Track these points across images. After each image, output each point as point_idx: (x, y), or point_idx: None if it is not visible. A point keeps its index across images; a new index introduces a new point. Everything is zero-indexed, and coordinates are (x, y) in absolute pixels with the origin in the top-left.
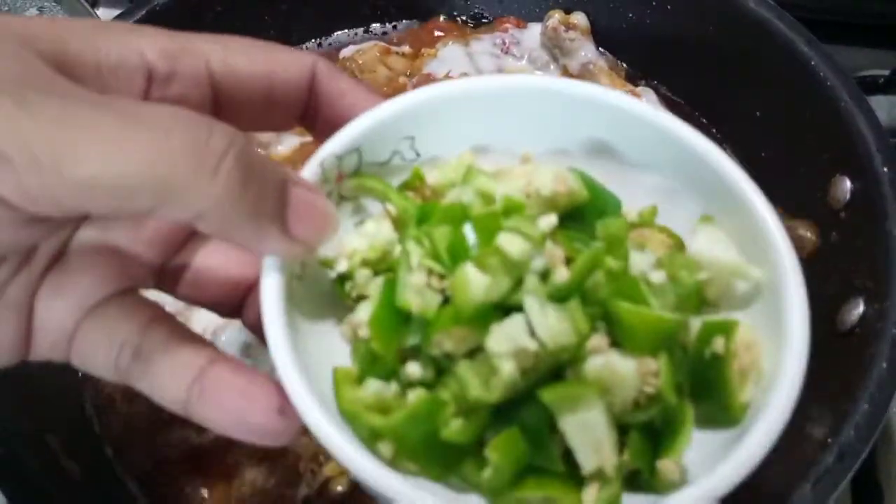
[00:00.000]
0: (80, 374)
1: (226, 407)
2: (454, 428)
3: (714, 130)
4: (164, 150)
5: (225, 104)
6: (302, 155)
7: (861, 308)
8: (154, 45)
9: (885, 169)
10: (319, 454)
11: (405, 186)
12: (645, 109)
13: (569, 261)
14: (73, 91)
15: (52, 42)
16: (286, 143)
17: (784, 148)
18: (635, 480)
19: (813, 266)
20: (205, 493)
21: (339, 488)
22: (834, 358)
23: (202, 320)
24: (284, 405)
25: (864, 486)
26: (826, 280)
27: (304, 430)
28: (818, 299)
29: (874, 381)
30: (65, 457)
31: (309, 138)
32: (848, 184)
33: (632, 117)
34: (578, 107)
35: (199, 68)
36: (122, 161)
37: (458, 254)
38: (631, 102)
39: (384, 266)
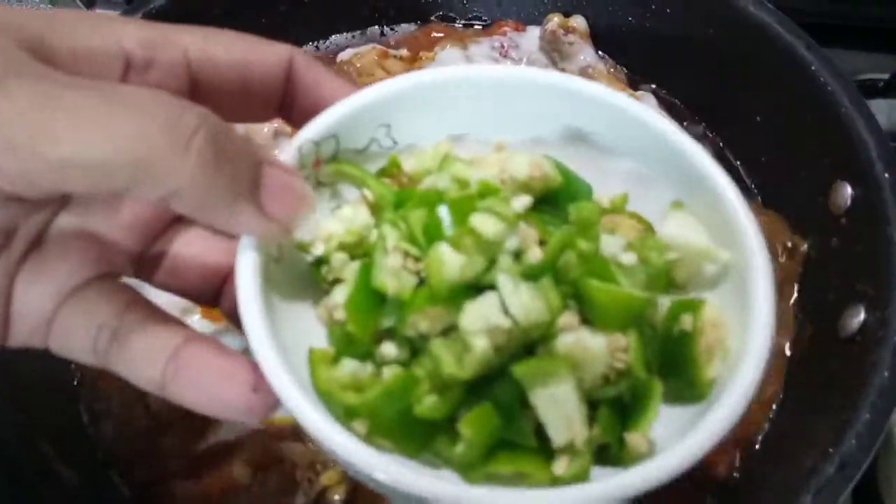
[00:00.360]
0: (75, 381)
1: (199, 384)
2: (428, 404)
3: (714, 134)
4: (140, 130)
5: (203, 93)
6: None
7: (862, 315)
8: (133, 34)
9: (887, 175)
10: (316, 463)
11: (382, 173)
12: (619, 98)
13: (542, 242)
14: (52, 74)
15: (31, 29)
16: (284, 148)
17: (784, 153)
18: (604, 454)
19: (814, 273)
20: (200, 500)
21: (337, 497)
22: (835, 366)
23: (194, 326)
24: (258, 382)
25: (866, 497)
26: (827, 287)
27: (300, 438)
28: (819, 306)
29: (875, 390)
30: (59, 463)
31: None
32: (849, 189)
33: (606, 106)
34: (553, 96)
35: (177, 57)
36: (99, 141)
37: (433, 235)
38: (605, 91)
39: (360, 251)
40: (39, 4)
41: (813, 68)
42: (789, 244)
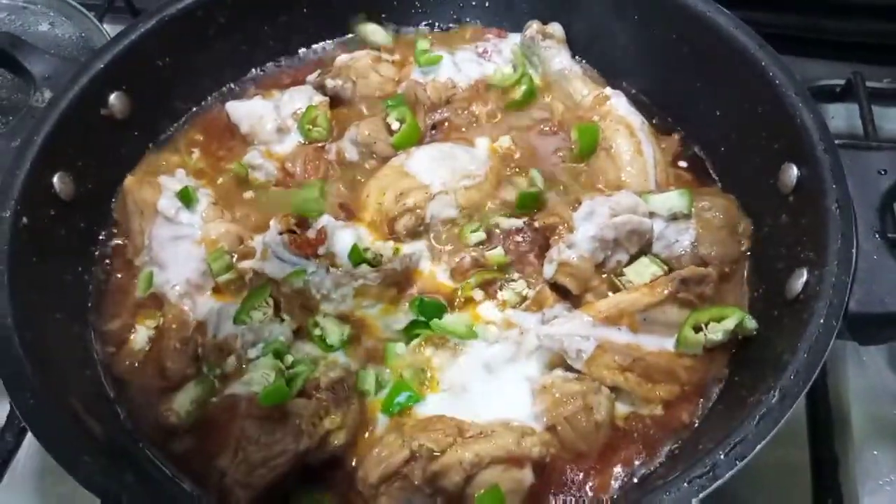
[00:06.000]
0: (96, 353)
1: None
2: None
3: (678, 128)
4: None
5: None
6: (301, 154)
7: (805, 277)
8: None
9: (827, 155)
10: (319, 411)
11: None
12: None
13: None
14: None
15: None
16: (286, 143)
17: (740, 142)
18: None
19: (766, 245)
20: (214, 450)
21: (337, 442)
22: (782, 322)
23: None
24: None
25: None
26: (777, 256)
27: (304, 393)
28: (770, 273)
29: (812, 335)
30: (86, 416)
31: (307, 139)
32: (794, 170)
33: None
34: None
35: None
36: None
37: None
38: None
39: None
40: (48, 11)
41: (763, 64)
42: (745, 223)
